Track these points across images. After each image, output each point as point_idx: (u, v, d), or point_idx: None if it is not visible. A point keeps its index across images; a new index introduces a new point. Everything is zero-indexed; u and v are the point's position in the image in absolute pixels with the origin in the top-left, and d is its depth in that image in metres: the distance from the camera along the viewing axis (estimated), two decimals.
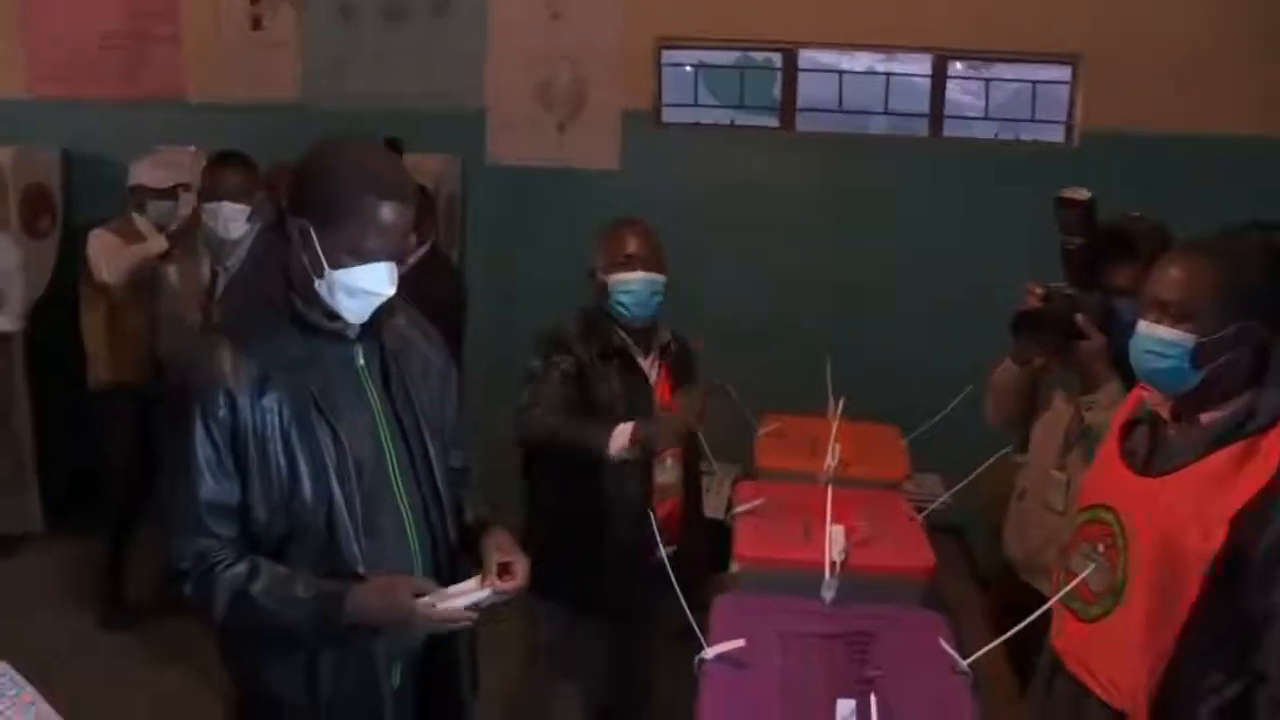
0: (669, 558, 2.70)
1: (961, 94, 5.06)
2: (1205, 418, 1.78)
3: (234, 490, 1.79)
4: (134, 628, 4.00)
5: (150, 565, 3.18)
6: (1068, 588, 1.89)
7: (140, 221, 4.01)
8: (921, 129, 4.97)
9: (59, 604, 4.15)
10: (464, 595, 1.83)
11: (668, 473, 2.81)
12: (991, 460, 2.51)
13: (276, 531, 1.82)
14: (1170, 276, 1.79)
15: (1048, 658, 2.05)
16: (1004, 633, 2.51)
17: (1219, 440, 1.73)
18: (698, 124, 5.20)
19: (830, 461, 2.54)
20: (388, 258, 1.82)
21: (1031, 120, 4.91)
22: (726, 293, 4.78)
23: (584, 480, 2.71)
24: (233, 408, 1.77)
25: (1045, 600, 2.23)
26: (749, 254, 4.88)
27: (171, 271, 3.93)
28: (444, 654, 1.99)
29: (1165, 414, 1.83)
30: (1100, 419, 2.30)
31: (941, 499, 2.59)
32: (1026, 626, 2.30)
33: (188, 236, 3.95)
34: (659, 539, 2.65)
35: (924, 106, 4.93)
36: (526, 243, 5.01)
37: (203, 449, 1.77)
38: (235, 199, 3.76)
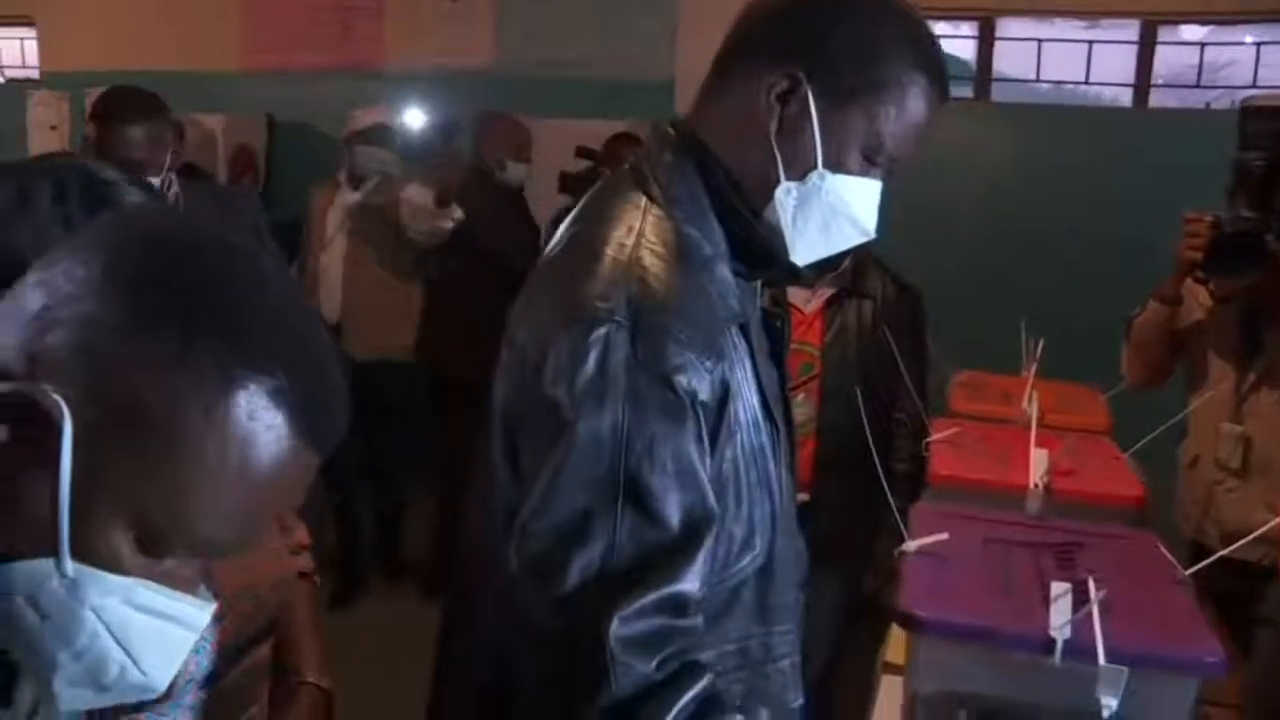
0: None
1: (1171, 61, 4.79)
2: None
3: None
4: None
5: None
6: None
7: None
8: (1125, 99, 4.75)
9: None
10: None
11: (798, 408, 2.71)
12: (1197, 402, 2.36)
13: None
14: None
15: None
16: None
17: None
18: None
19: (1028, 406, 2.44)
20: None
21: (1253, 86, 4.59)
22: (919, 264, 4.65)
23: None
24: (724, 397, 1.13)
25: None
26: (942, 226, 4.73)
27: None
28: None
29: None
30: None
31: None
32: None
33: None
34: None
35: (1129, 76, 4.72)
36: None
37: (700, 464, 1.10)
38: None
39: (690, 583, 1.08)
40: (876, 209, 1.22)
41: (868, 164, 1.19)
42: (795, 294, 2.78)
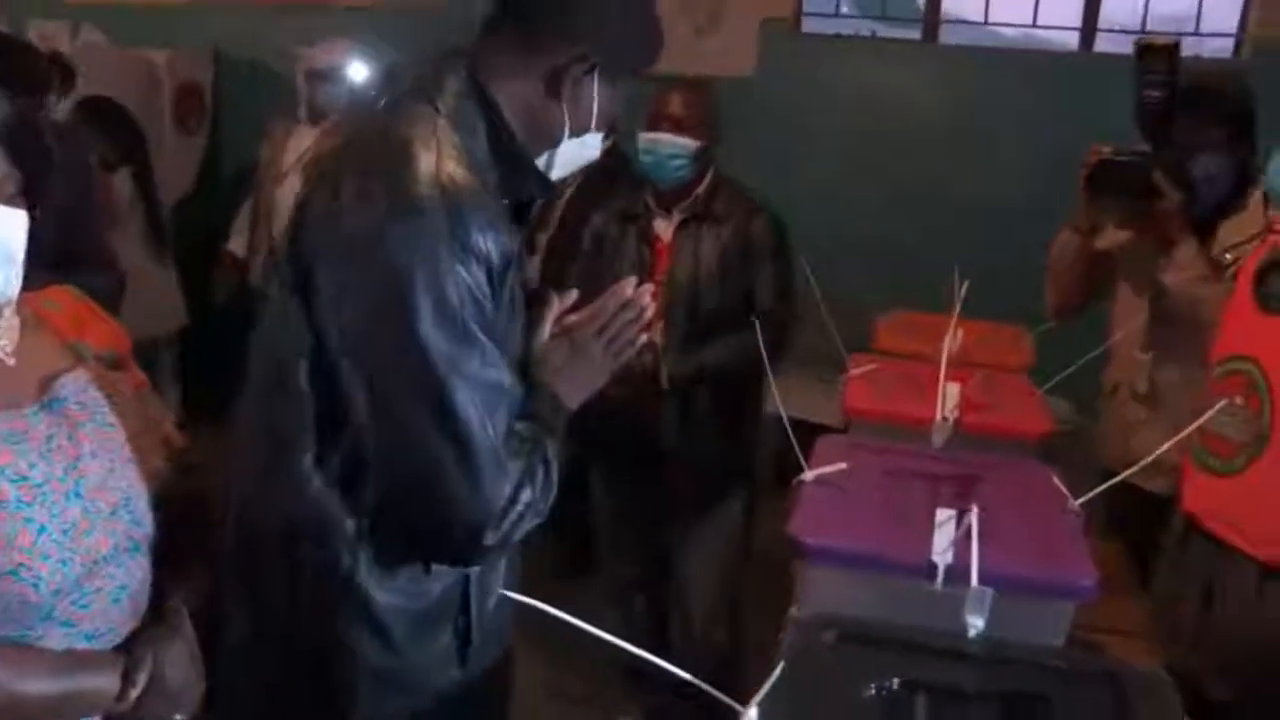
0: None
1: (1119, 6, 4.76)
2: None
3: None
4: None
5: None
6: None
7: None
8: (1072, 43, 4.75)
9: None
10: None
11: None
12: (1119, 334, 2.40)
13: None
14: None
15: (1178, 525, 1.97)
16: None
17: None
18: (838, 35, 5.07)
19: (950, 341, 2.46)
20: None
21: (1195, 34, 4.58)
22: (859, 206, 4.66)
23: None
24: (506, 265, 1.39)
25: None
26: (885, 168, 4.72)
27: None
28: None
29: None
30: (1177, 280, 2.24)
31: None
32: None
33: None
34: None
35: (1076, 20, 4.70)
36: None
37: (487, 301, 1.37)
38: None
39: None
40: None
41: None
42: (655, 223, 2.79)
